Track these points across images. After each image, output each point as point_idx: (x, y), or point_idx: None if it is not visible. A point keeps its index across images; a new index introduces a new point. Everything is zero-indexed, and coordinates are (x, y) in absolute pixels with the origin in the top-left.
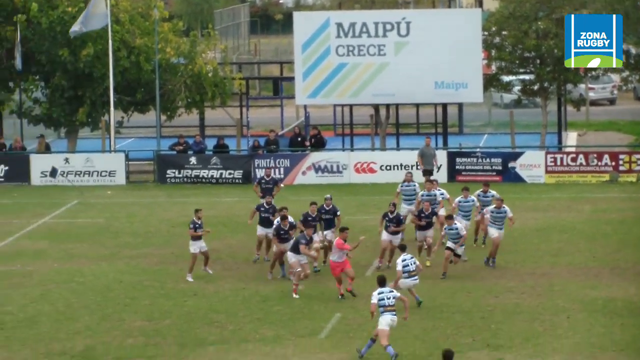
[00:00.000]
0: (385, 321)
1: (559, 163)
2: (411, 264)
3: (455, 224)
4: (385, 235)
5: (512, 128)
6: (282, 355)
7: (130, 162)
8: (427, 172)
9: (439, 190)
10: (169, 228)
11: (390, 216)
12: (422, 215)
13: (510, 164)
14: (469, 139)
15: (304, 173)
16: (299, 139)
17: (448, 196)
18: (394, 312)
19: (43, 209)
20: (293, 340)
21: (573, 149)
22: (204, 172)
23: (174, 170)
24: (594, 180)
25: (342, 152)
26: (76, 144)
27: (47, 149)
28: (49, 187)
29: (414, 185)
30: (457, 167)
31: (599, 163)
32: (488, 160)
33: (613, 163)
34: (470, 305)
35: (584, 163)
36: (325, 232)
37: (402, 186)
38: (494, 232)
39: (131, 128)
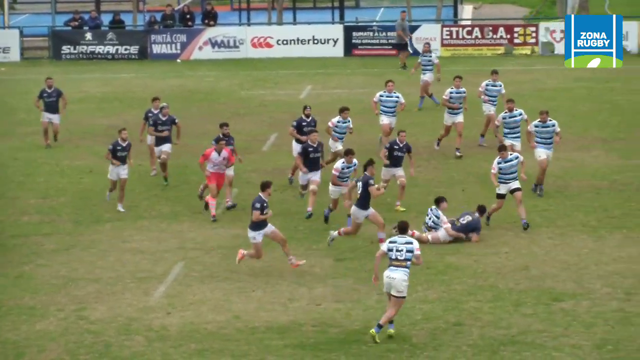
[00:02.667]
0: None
1: (454, 36)
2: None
3: (511, 153)
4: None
5: (408, 1)
6: (178, 231)
7: (24, 39)
8: (403, 47)
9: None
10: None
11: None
12: (396, 147)
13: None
14: (365, 13)
15: (200, 48)
16: (188, 16)
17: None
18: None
19: None
20: (189, 216)
21: (469, 22)
22: (100, 48)
23: (69, 47)
24: (489, 53)
25: (238, 26)
26: None
27: None
28: None
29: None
30: (353, 41)
31: (494, 36)
32: (384, 34)
33: (508, 36)
34: None
35: (480, 36)
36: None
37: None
38: (541, 153)
39: (25, 4)
